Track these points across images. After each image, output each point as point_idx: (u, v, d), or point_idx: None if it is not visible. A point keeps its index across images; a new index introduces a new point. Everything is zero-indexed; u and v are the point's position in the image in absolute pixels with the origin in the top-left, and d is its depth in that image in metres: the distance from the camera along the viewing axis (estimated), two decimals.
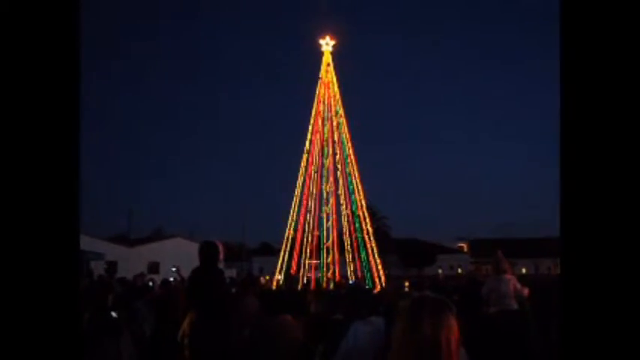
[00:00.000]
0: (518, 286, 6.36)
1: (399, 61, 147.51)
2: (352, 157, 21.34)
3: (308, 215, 20.98)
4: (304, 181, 21.06)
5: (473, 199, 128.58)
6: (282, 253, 21.31)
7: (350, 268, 20.91)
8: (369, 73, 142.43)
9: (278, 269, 21.09)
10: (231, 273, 35.07)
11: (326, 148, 21.20)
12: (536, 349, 5.46)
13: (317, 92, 21.92)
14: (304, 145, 21.52)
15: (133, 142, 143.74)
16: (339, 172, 21.11)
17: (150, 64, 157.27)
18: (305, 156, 21.32)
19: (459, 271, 60.95)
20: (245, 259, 57.69)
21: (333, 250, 20.24)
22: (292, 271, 20.27)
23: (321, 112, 21.63)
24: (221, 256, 4.09)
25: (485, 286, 6.55)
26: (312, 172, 21.11)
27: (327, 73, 22.10)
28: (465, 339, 1.93)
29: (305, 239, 20.81)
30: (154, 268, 33.51)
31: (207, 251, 4.06)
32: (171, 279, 9.98)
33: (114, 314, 4.80)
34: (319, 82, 22.09)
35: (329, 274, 19.64)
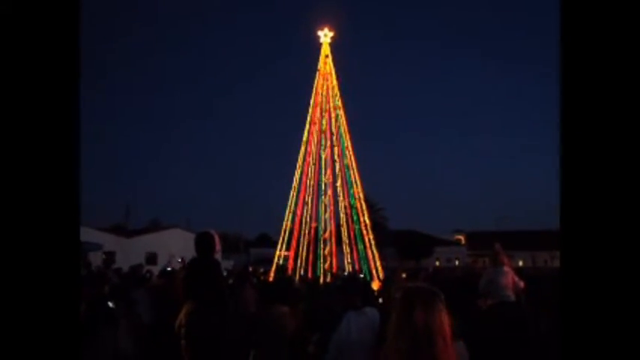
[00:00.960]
0: (516, 278, 6.43)
1: (398, 54, 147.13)
2: (350, 148, 21.38)
3: (305, 207, 21.03)
4: (302, 172, 21.09)
5: (470, 192, 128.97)
6: (279, 245, 21.38)
7: (347, 260, 21.00)
8: (366, 66, 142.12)
9: (275, 261, 21.17)
10: (228, 264, 35.10)
11: (324, 140, 21.21)
12: (535, 341, 5.51)
13: (315, 84, 21.89)
14: (302, 136, 21.55)
15: (130, 134, 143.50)
16: (337, 164, 21.15)
17: (150, 58, 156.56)
18: (303, 147, 21.34)
19: (457, 263, 61.25)
20: (243, 250, 57.84)
21: (330, 241, 20.31)
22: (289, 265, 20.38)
23: (319, 104, 21.60)
24: (217, 247, 4.10)
25: (484, 278, 6.60)
26: (310, 163, 21.13)
27: (326, 64, 22.05)
28: (464, 331, 1.94)
29: (302, 231, 20.86)
30: (151, 259, 33.44)
31: (203, 242, 4.08)
32: (169, 269, 9.95)
33: (111, 304, 4.82)
34: (317, 73, 22.05)
35: (326, 266, 19.71)
